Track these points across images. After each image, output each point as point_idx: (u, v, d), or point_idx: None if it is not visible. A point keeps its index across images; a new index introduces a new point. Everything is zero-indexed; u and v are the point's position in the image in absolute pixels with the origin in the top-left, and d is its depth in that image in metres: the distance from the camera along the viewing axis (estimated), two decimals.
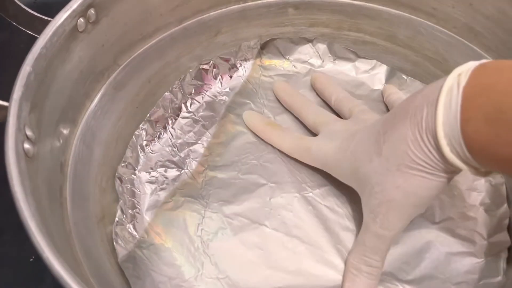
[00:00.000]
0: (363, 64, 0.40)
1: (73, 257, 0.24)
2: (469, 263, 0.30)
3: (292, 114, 0.37)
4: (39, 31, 0.27)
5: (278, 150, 0.35)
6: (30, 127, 0.24)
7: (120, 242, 0.30)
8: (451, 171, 0.24)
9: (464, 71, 0.22)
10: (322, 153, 0.31)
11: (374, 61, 0.40)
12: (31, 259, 0.31)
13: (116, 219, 0.31)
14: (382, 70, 0.39)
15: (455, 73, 0.23)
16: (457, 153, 0.23)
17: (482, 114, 0.21)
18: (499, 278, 0.29)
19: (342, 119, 0.34)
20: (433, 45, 0.37)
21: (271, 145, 0.35)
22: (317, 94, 0.38)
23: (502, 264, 0.29)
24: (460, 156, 0.23)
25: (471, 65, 0.23)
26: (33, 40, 0.26)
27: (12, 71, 0.25)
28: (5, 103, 0.24)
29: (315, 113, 0.35)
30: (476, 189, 0.33)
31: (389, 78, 0.39)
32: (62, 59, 0.28)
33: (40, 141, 0.25)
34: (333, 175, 0.31)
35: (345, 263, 0.29)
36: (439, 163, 0.24)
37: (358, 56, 0.40)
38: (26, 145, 0.23)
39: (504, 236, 0.30)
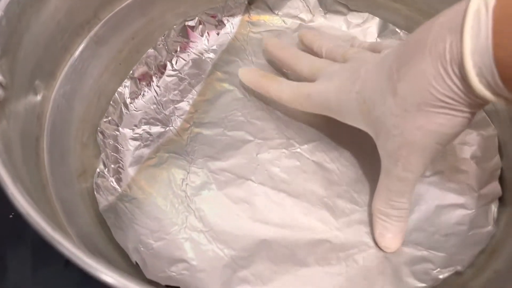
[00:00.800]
0: (355, 18, 0.39)
1: (50, 207, 0.23)
2: (458, 215, 0.29)
3: (282, 74, 0.36)
4: None
5: (266, 106, 0.34)
6: (0, 72, 0.23)
7: (101, 193, 0.30)
8: (478, 104, 0.22)
9: None
10: (323, 97, 0.29)
11: (366, 14, 0.38)
12: (11, 216, 0.31)
13: (98, 170, 0.30)
14: (374, 23, 0.38)
15: None
16: (488, 83, 0.20)
17: None
18: (489, 227, 0.28)
19: (339, 63, 0.32)
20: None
21: (258, 102, 0.35)
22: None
23: (493, 214, 0.29)
24: (491, 87, 0.20)
25: None
26: None
27: None
28: None
29: (310, 62, 0.33)
30: (468, 142, 0.32)
31: (381, 31, 0.38)
32: (37, 7, 0.27)
33: (13, 89, 0.24)
34: (339, 119, 0.29)
35: (372, 210, 0.28)
36: (466, 97, 0.21)
37: (350, 9, 0.39)
38: None
39: (495, 186, 0.30)
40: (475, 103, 0.22)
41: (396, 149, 0.25)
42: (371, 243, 0.28)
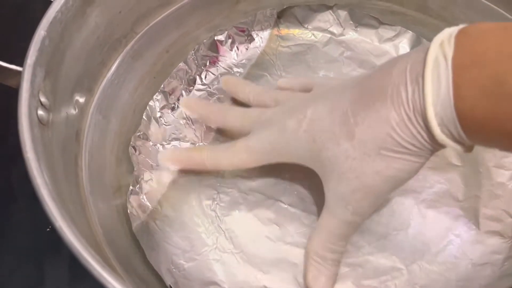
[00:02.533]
0: (386, 31, 0.38)
1: (89, 227, 0.24)
2: (494, 243, 0.29)
3: None
4: None
5: None
6: (44, 94, 0.23)
7: (134, 211, 0.30)
8: (437, 149, 0.23)
9: (445, 39, 0.20)
10: (266, 142, 0.28)
11: (399, 28, 0.37)
12: (48, 229, 0.31)
13: (131, 187, 0.31)
14: (407, 38, 0.37)
15: (436, 43, 0.21)
16: (449, 132, 0.21)
17: (478, 88, 0.19)
18: None
19: (271, 108, 0.30)
20: (467, 15, 0.35)
21: None
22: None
23: None
24: (452, 136, 0.21)
25: (451, 31, 0.21)
26: (48, 4, 0.26)
27: (27, 36, 0.24)
28: (19, 68, 0.23)
29: (239, 114, 0.31)
30: (504, 166, 0.31)
31: (414, 46, 0.37)
32: (78, 24, 0.27)
33: (55, 109, 0.24)
34: (285, 160, 0.28)
35: (307, 251, 0.27)
36: (427, 144, 0.22)
37: (381, 23, 0.38)
38: (40, 112, 0.23)
39: None
40: (435, 149, 0.23)
41: (350, 193, 0.25)
42: (405, 270, 0.28)
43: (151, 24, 0.33)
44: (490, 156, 0.32)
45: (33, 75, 0.23)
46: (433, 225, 0.29)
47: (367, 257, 0.28)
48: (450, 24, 0.35)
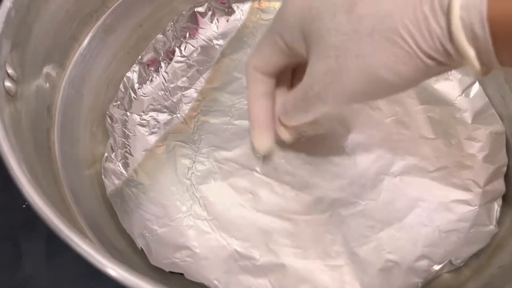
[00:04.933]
0: None
1: (62, 200, 0.24)
2: (461, 211, 0.29)
3: None
4: None
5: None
6: (11, 66, 0.23)
7: (108, 177, 0.30)
8: (439, 62, 0.19)
9: None
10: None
11: None
12: (24, 206, 0.32)
13: (106, 154, 0.31)
14: None
15: None
16: (473, 37, 0.17)
17: None
18: (491, 227, 0.28)
19: None
20: None
21: None
22: None
23: (495, 212, 0.29)
24: (475, 43, 0.17)
25: None
26: None
27: None
28: None
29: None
30: (475, 138, 0.32)
31: None
32: None
33: (23, 81, 0.24)
34: (277, 31, 0.24)
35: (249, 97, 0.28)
36: (436, 44, 0.18)
37: None
38: (7, 83, 0.23)
39: (499, 183, 0.30)
40: (439, 56, 0.19)
41: (322, 73, 0.22)
42: (373, 237, 0.28)
43: None
44: (462, 128, 0.32)
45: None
46: (403, 195, 0.30)
47: (337, 225, 0.29)
48: None
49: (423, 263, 0.27)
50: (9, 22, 0.24)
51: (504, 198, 0.29)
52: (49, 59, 0.28)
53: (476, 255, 0.27)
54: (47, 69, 0.27)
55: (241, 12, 0.39)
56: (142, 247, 0.28)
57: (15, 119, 0.22)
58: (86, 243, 0.18)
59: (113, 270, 0.18)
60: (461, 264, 0.27)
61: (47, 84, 0.28)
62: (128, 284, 0.17)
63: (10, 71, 0.23)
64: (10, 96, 0.22)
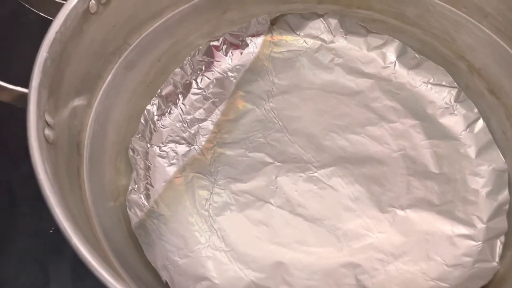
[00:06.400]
0: (374, 39, 0.39)
1: (94, 236, 0.26)
2: (465, 246, 0.31)
3: (297, 95, 0.38)
4: (51, 13, 0.28)
5: (285, 128, 0.36)
6: (49, 113, 0.25)
7: (133, 209, 0.32)
8: None
9: None
10: None
11: (386, 36, 0.39)
12: (51, 231, 0.33)
13: (130, 187, 0.33)
14: (393, 46, 0.39)
15: None
16: None
17: None
18: (494, 263, 0.30)
19: None
20: (442, 24, 0.36)
21: (278, 123, 0.36)
22: None
23: (498, 249, 0.30)
24: None
25: None
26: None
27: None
28: (24, 90, 0.25)
29: None
30: (479, 174, 0.34)
31: (400, 54, 0.39)
32: (76, 42, 0.28)
33: (58, 126, 0.26)
34: None
35: None
36: None
37: (369, 31, 0.39)
38: (47, 132, 0.24)
39: (502, 220, 0.31)
40: None
41: None
42: (382, 269, 0.30)
43: (143, 36, 0.34)
44: (467, 163, 0.34)
45: (39, 97, 0.24)
46: (410, 228, 0.32)
47: (348, 258, 0.31)
48: (426, 31, 0.38)
49: None
50: (46, 72, 0.25)
51: (506, 233, 0.31)
52: (78, 99, 0.29)
53: None
54: (76, 109, 0.29)
55: (254, 45, 0.40)
56: (166, 280, 0.29)
57: (53, 163, 0.24)
58: (114, 278, 0.20)
59: None
60: None
61: (77, 123, 0.29)
62: None
63: (48, 118, 0.24)
64: (49, 143, 0.24)
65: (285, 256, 0.31)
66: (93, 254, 0.21)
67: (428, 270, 0.30)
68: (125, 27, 0.33)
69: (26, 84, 0.25)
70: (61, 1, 0.29)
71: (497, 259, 0.30)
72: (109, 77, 0.33)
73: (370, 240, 0.31)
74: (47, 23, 0.27)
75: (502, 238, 0.31)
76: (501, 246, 0.30)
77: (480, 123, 0.35)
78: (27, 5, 0.32)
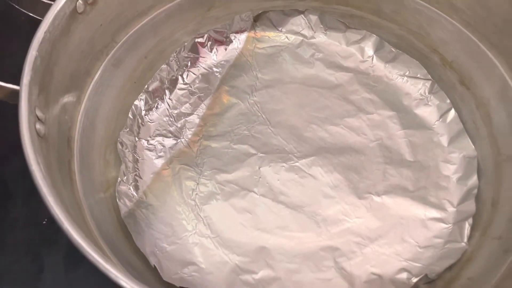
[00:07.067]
0: (353, 35, 0.41)
1: (85, 224, 0.27)
2: (437, 228, 0.33)
3: (279, 89, 0.39)
4: (40, 13, 0.29)
5: (268, 121, 0.38)
6: (40, 109, 0.26)
7: (122, 200, 0.33)
8: None
9: None
10: None
11: (364, 32, 0.41)
12: (44, 222, 0.35)
13: (119, 179, 0.34)
14: (371, 41, 0.41)
15: None
16: None
17: None
18: (463, 244, 0.32)
19: None
20: (416, 19, 0.38)
21: (262, 116, 0.38)
22: None
23: (467, 230, 0.32)
24: None
25: None
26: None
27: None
28: (16, 87, 0.26)
29: None
30: (450, 161, 0.36)
31: (378, 49, 0.41)
32: (64, 41, 0.30)
33: (49, 121, 0.27)
34: None
35: None
36: None
37: (348, 27, 0.41)
38: (38, 126, 0.25)
39: (471, 204, 0.33)
40: None
41: None
42: (359, 252, 0.32)
43: (129, 34, 0.36)
44: (439, 151, 0.36)
45: (30, 93, 0.25)
46: (386, 213, 0.34)
47: (327, 242, 0.32)
48: (402, 27, 0.40)
49: (403, 276, 0.31)
50: (36, 70, 0.26)
51: (474, 216, 0.33)
52: (68, 95, 0.31)
53: (449, 268, 0.31)
54: (66, 105, 0.30)
55: (238, 41, 0.42)
56: (155, 264, 0.31)
57: (45, 157, 0.25)
58: (106, 260, 0.21)
59: (126, 282, 0.21)
60: (436, 278, 0.31)
61: (67, 119, 0.30)
62: None
63: (39, 114, 0.26)
64: (41, 137, 0.25)
65: (268, 241, 0.33)
66: (84, 238, 0.22)
67: (402, 251, 0.32)
68: (112, 25, 0.34)
69: (17, 82, 0.26)
70: (49, 2, 0.30)
71: (465, 239, 0.32)
72: (97, 74, 0.34)
73: (348, 225, 0.33)
74: (36, 23, 0.28)
75: (470, 220, 0.33)
76: (469, 228, 0.32)
77: (452, 113, 0.37)
78: (16, 6, 0.33)
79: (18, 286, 0.34)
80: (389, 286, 0.31)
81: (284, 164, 0.36)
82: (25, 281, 0.34)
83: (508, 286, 0.22)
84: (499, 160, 0.33)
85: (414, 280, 0.31)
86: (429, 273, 0.31)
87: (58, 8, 0.29)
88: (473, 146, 0.35)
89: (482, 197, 0.33)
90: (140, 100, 0.38)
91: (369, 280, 0.31)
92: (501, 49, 0.34)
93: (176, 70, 0.40)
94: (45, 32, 0.28)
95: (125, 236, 0.32)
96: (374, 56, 0.41)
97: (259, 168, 0.36)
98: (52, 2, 0.29)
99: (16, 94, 0.26)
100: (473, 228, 0.32)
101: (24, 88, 0.25)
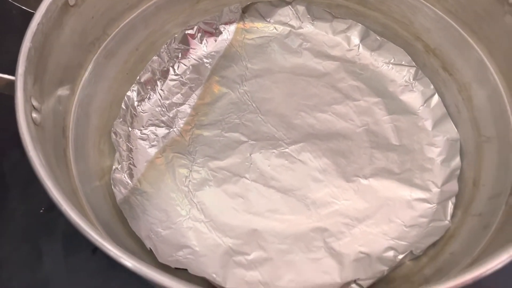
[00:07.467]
0: (339, 24, 0.42)
1: (82, 209, 0.28)
2: (422, 209, 0.34)
3: (269, 78, 0.40)
4: (33, 6, 0.30)
5: (258, 110, 0.39)
6: (35, 98, 0.27)
7: (117, 187, 0.34)
8: None
9: None
10: None
11: (350, 21, 0.42)
12: (41, 211, 0.36)
13: (113, 167, 0.35)
14: (357, 30, 0.42)
15: None
16: None
17: None
18: (446, 222, 0.33)
19: None
20: (400, 8, 0.39)
21: (252, 105, 0.39)
22: None
23: (450, 209, 0.34)
24: None
25: None
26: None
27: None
28: (11, 77, 0.27)
29: None
30: (434, 144, 0.37)
31: (364, 38, 0.42)
32: (57, 33, 0.30)
33: (44, 110, 0.28)
34: None
35: None
36: None
37: (334, 17, 0.42)
38: (34, 114, 0.26)
39: (454, 184, 0.35)
40: None
41: None
42: (347, 232, 0.33)
43: (121, 26, 0.36)
44: (424, 135, 0.37)
45: (25, 83, 0.26)
46: (373, 195, 0.35)
47: (317, 224, 0.34)
48: (386, 16, 0.41)
49: (390, 253, 0.32)
50: (30, 60, 0.27)
51: (456, 196, 0.34)
52: (62, 86, 0.31)
53: (433, 245, 0.32)
54: (60, 95, 0.31)
55: (227, 33, 0.43)
56: (151, 247, 0.32)
57: (42, 144, 0.26)
58: (104, 239, 0.22)
59: (129, 262, 0.22)
60: (421, 254, 0.32)
61: (61, 109, 0.31)
62: (141, 273, 0.21)
63: (34, 103, 0.27)
64: (37, 125, 0.26)
65: (259, 224, 0.34)
66: (82, 219, 0.23)
67: (388, 231, 0.33)
68: (103, 18, 0.35)
69: (12, 73, 0.27)
70: None
71: (449, 218, 0.33)
72: (90, 66, 0.35)
73: (337, 207, 0.34)
74: (29, 16, 0.29)
75: (453, 200, 0.34)
76: (452, 207, 0.34)
77: (436, 98, 0.39)
78: (9, 0, 0.34)
79: (18, 272, 0.35)
80: (377, 263, 0.32)
81: (274, 151, 0.37)
82: (25, 267, 0.35)
83: (486, 258, 0.24)
84: (479, 141, 0.35)
85: (400, 257, 0.32)
86: (414, 250, 0.32)
87: (50, 1, 0.29)
88: (456, 129, 0.37)
89: (464, 177, 0.35)
90: (133, 91, 0.39)
91: (357, 258, 0.32)
92: (481, 36, 0.35)
93: (167, 61, 0.41)
94: (38, 24, 0.29)
95: (121, 221, 0.33)
96: (360, 45, 0.42)
97: (250, 154, 0.37)
98: None
99: (11, 85, 0.27)
100: (455, 206, 0.34)
101: (20, 77, 0.26)
